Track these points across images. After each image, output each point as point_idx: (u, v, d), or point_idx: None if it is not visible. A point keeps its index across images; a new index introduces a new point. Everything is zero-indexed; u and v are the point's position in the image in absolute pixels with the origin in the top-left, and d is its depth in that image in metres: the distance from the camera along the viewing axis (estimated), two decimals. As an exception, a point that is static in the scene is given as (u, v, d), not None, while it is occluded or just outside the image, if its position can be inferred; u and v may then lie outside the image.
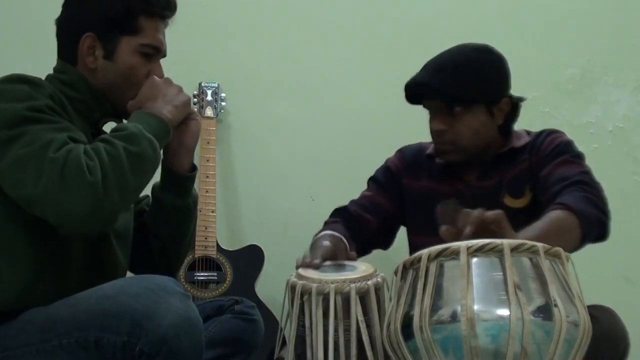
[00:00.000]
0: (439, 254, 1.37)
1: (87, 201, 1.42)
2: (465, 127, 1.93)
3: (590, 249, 1.80)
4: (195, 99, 2.74)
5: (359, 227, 2.02)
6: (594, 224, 1.75)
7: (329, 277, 1.50)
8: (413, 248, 2.02)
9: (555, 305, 1.30)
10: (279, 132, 2.87)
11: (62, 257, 1.57)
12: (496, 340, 1.28)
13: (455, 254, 1.36)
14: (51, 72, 1.71)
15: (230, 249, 2.66)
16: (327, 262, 1.64)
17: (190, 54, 2.77)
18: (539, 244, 1.37)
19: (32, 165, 1.44)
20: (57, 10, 1.72)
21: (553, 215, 1.70)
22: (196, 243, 2.58)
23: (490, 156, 2.00)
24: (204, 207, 2.59)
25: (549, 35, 2.96)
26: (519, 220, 1.59)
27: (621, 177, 2.84)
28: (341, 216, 2.03)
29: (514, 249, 1.35)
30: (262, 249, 2.66)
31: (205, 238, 2.60)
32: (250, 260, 2.65)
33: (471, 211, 1.51)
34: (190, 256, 2.58)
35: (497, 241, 1.36)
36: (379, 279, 1.52)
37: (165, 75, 1.72)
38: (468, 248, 1.35)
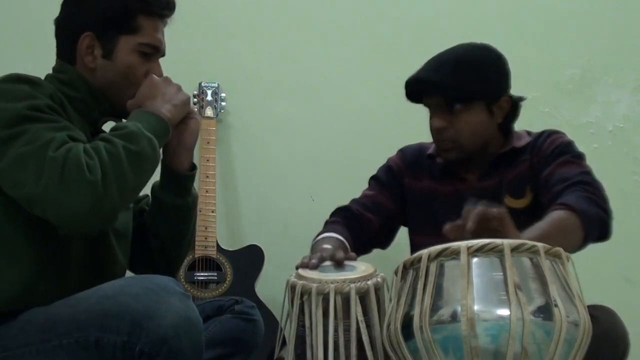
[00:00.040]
0: (439, 253, 1.37)
1: (87, 200, 1.42)
2: (465, 125, 1.93)
3: (590, 249, 1.80)
4: (195, 99, 2.73)
5: (361, 226, 2.02)
6: (595, 224, 1.75)
7: (328, 277, 1.50)
8: (414, 248, 2.02)
9: (556, 305, 1.30)
10: (279, 132, 2.87)
11: (62, 256, 1.57)
12: (496, 340, 1.28)
13: (455, 254, 1.36)
14: (50, 72, 1.71)
15: (230, 249, 2.66)
16: (327, 262, 1.64)
17: (190, 54, 2.77)
18: (539, 244, 1.37)
19: (32, 165, 1.44)
20: (57, 10, 1.72)
21: (555, 215, 1.71)
22: (196, 243, 2.58)
23: (490, 156, 2.00)
24: (204, 207, 2.59)
25: (549, 35, 2.96)
26: (520, 220, 1.59)
27: (621, 177, 2.84)
28: (342, 215, 2.04)
29: (514, 249, 1.35)
30: (262, 249, 2.66)
31: (205, 238, 2.60)
32: (250, 260, 2.65)
33: (474, 207, 1.51)
34: (190, 256, 2.58)
35: (498, 241, 1.36)
36: (379, 279, 1.52)
37: (165, 75, 1.72)
38: (468, 248, 1.35)
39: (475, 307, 1.30)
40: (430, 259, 1.38)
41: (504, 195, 1.94)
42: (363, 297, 1.49)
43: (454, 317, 1.31)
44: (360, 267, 1.57)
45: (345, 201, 2.08)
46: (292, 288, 1.51)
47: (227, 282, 2.60)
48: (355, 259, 1.67)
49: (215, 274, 2.61)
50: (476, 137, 1.95)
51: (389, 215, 2.07)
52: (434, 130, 1.97)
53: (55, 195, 1.42)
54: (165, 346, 1.37)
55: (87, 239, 1.60)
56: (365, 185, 2.15)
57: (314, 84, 2.90)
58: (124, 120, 1.64)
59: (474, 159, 1.99)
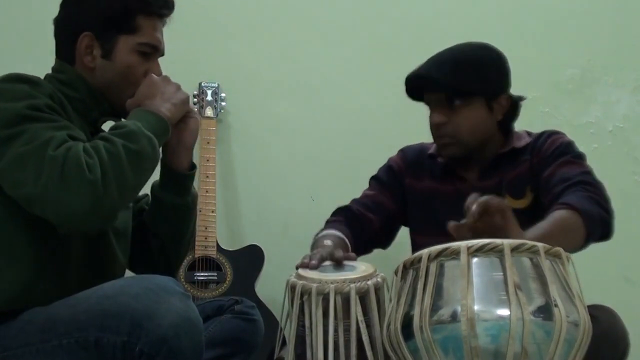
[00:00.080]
0: (439, 253, 1.37)
1: (86, 199, 1.42)
2: (464, 120, 1.94)
3: (590, 249, 1.80)
4: (195, 99, 2.74)
5: (361, 226, 2.02)
6: (597, 223, 1.75)
7: (328, 277, 1.50)
8: (415, 248, 2.02)
9: (556, 305, 1.30)
10: (279, 132, 2.87)
11: (62, 256, 1.57)
12: (496, 340, 1.28)
13: (455, 254, 1.36)
14: (50, 72, 1.71)
15: (230, 249, 2.66)
16: (327, 262, 1.64)
17: (190, 54, 2.77)
18: (540, 244, 1.37)
19: (32, 164, 1.44)
20: (56, 10, 1.72)
21: (557, 215, 1.71)
22: (196, 243, 2.58)
23: (490, 156, 2.01)
24: (204, 207, 2.59)
25: (549, 35, 2.96)
26: (520, 221, 1.59)
27: (621, 177, 2.84)
28: (343, 215, 2.04)
29: (514, 249, 1.35)
30: (262, 249, 2.66)
31: (205, 238, 2.60)
32: (250, 260, 2.65)
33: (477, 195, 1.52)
34: (190, 256, 2.58)
35: (498, 241, 1.36)
36: (378, 279, 1.52)
37: (164, 74, 1.72)
38: (468, 248, 1.35)
39: (475, 307, 1.30)
40: (430, 259, 1.38)
41: (504, 195, 1.94)
42: (363, 297, 1.49)
43: (454, 317, 1.31)
44: (360, 267, 1.57)
45: (345, 201, 2.08)
46: (292, 288, 1.51)
47: (227, 282, 2.60)
48: (355, 259, 1.67)
49: (215, 274, 2.61)
50: (475, 133, 1.95)
51: (389, 215, 2.07)
52: (434, 126, 1.98)
53: (55, 194, 1.42)
54: (165, 346, 1.37)
55: (86, 238, 1.60)
56: (365, 185, 2.15)
57: (314, 84, 2.90)
58: (123, 120, 1.64)
59: (473, 157, 2.00)
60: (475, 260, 1.35)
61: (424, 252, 1.39)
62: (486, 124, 1.97)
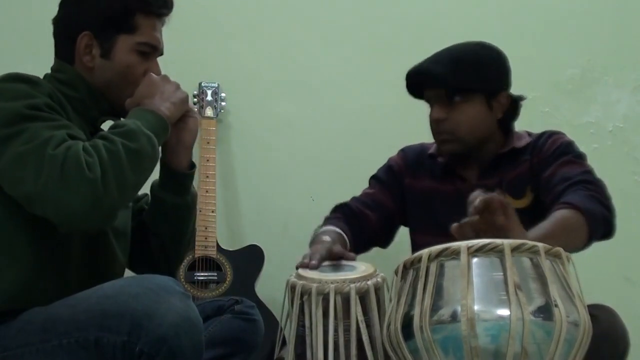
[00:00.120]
0: (440, 253, 1.37)
1: (86, 198, 1.42)
2: (463, 117, 1.95)
3: (591, 248, 1.80)
4: (195, 99, 2.74)
5: (360, 223, 2.03)
6: (599, 222, 1.75)
7: (328, 277, 1.50)
8: (415, 247, 2.02)
9: (556, 306, 1.30)
10: (279, 132, 2.87)
11: (62, 255, 1.57)
12: (496, 340, 1.28)
13: (455, 254, 1.36)
14: (49, 71, 1.72)
15: (230, 249, 2.66)
16: (327, 262, 1.64)
17: (190, 54, 2.77)
18: (540, 244, 1.37)
19: (32, 163, 1.44)
20: (56, 10, 1.72)
21: (559, 214, 1.71)
22: (196, 243, 2.58)
23: (490, 155, 2.01)
24: (204, 207, 2.59)
25: (549, 35, 2.96)
26: (520, 220, 1.59)
27: (621, 177, 2.84)
28: (342, 212, 2.04)
29: (515, 249, 1.35)
30: (262, 249, 2.66)
31: (205, 238, 2.60)
32: (250, 260, 2.65)
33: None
34: (190, 256, 2.58)
35: (498, 241, 1.36)
36: (378, 279, 1.52)
37: (164, 73, 1.72)
38: (468, 248, 1.35)
39: (475, 307, 1.30)
40: (431, 259, 1.38)
41: (504, 195, 1.94)
42: (363, 297, 1.49)
43: (454, 317, 1.31)
44: (360, 267, 1.57)
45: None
46: (292, 288, 1.51)
47: (227, 282, 2.60)
48: (354, 259, 1.67)
49: (215, 274, 2.61)
50: (474, 130, 1.96)
51: (388, 213, 2.08)
52: (433, 122, 1.98)
53: (54, 193, 1.42)
54: (165, 346, 1.37)
55: (86, 238, 1.60)
56: (365, 185, 2.15)
57: (314, 84, 2.90)
58: (122, 119, 1.64)
59: (473, 155, 2.00)
60: (475, 260, 1.35)
61: (424, 252, 1.39)
62: (486, 121, 1.97)
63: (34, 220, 1.50)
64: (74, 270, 1.59)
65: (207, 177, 2.64)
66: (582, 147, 1.99)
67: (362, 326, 1.47)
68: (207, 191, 2.62)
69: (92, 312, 1.42)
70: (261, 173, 2.85)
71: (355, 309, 1.47)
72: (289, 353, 1.51)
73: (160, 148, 1.62)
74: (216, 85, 2.77)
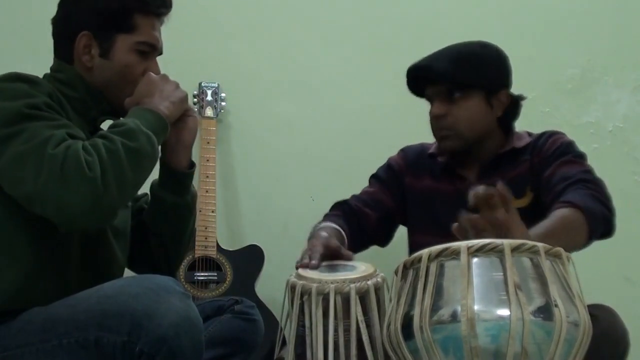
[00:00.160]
0: (440, 253, 1.37)
1: (86, 197, 1.42)
2: (463, 113, 1.96)
3: (590, 248, 1.80)
4: (195, 99, 2.74)
5: (359, 221, 2.03)
6: (600, 221, 1.76)
7: (328, 277, 1.50)
8: (413, 248, 2.02)
9: (556, 306, 1.30)
10: (279, 132, 2.87)
11: (62, 255, 1.57)
12: (496, 340, 1.28)
13: (455, 254, 1.35)
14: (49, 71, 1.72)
15: (230, 249, 2.66)
16: (327, 262, 1.64)
17: (190, 54, 2.77)
18: (540, 244, 1.37)
19: (32, 162, 1.44)
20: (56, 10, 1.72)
21: (559, 213, 1.71)
22: (196, 243, 2.58)
23: (490, 155, 2.01)
24: (204, 207, 2.59)
25: (549, 35, 2.96)
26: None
27: (621, 177, 2.84)
28: (341, 209, 2.05)
29: (515, 249, 1.35)
30: (262, 249, 2.66)
31: (205, 238, 2.60)
32: (250, 260, 2.65)
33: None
34: (190, 256, 2.58)
35: (498, 241, 1.36)
36: (378, 279, 1.52)
37: (163, 73, 1.72)
38: (468, 248, 1.35)
39: (475, 307, 1.29)
40: (431, 259, 1.37)
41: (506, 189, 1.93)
42: (363, 297, 1.49)
43: (454, 317, 1.31)
44: (360, 267, 1.57)
45: (345, 201, 2.09)
46: (292, 288, 1.51)
47: (227, 282, 2.60)
48: (350, 255, 1.67)
49: (215, 274, 2.61)
50: (474, 126, 1.97)
51: (388, 212, 2.08)
52: (433, 118, 1.99)
53: (54, 193, 1.42)
54: (165, 346, 1.37)
55: (85, 237, 1.60)
56: (365, 185, 2.15)
57: (314, 84, 2.90)
58: (122, 119, 1.64)
59: (472, 153, 2.00)
60: (475, 260, 1.35)
61: (424, 252, 1.39)
62: (485, 118, 1.98)
63: (34, 220, 1.50)
64: (73, 270, 1.59)
65: (207, 177, 2.64)
66: (582, 147, 2.00)
67: (362, 326, 1.47)
68: (207, 191, 2.62)
69: (92, 312, 1.42)
70: (261, 173, 2.85)
71: (355, 309, 1.47)
72: (289, 353, 1.51)
73: (159, 147, 1.62)
74: (216, 85, 2.77)
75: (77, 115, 1.65)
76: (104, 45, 1.66)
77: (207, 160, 2.65)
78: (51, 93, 1.58)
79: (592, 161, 1.96)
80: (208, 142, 2.67)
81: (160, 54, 1.74)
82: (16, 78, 1.56)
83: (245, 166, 2.85)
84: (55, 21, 1.72)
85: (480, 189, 1.45)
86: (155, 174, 1.71)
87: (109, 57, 1.67)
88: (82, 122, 1.66)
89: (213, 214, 2.61)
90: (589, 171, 1.89)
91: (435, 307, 1.33)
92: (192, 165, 1.77)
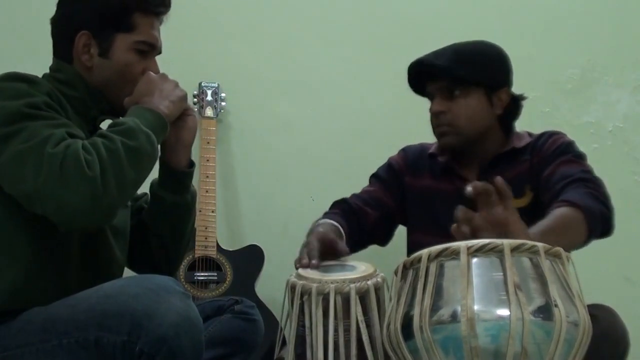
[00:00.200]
0: (439, 254, 1.37)
1: (86, 196, 1.42)
2: (463, 109, 1.97)
3: (590, 248, 1.80)
4: (195, 99, 2.74)
5: (358, 219, 2.03)
6: (598, 220, 1.75)
7: (328, 277, 1.50)
8: (412, 248, 2.02)
9: (556, 306, 1.30)
10: (279, 131, 2.87)
11: (62, 255, 1.58)
12: (496, 340, 1.28)
13: (455, 254, 1.35)
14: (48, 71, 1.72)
15: (230, 249, 2.66)
16: (327, 262, 1.64)
17: (190, 54, 2.77)
18: (539, 244, 1.37)
19: (31, 161, 1.44)
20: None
21: (558, 212, 1.71)
22: (196, 243, 2.58)
23: (490, 155, 2.01)
24: (204, 207, 2.59)
25: (549, 35, 2.96)
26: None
27: (621, 177, 2.84)
28: (341, 208, 2.05)
29: (514, 249, 1.35)
30: (262, 249, 2.66)
31: (205, 238, 2.60)
32: (250, 260, 2.65)
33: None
34: (190, 256, 2.58)
35: (498, 241, 1.36)
36: (378, 279, 1.52)
37: (162, 72, 1.72)
38: (468, 248, 1.35)
39: (475, 307, 1.29)
40: (430, 259, 1.37)
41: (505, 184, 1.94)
42: (363, 297, 1.49)
43: (454, 317, 1.31)
44: (360, 267, 1.57)
45: (345, 201, 2.09)
46: (292, 288, 1.51)
47: (227, 282, 2.60)
48: (347, 251, 1.67)
49: (215, 274, 2.61)
50: (473, 123, 1.97)
51: (388, 211, 2.08)
52: (433, 114, 2.00)
53: (54, 192, 1.42)
54: (165, 346, 1.37)
55: (84, 236, 1.60)
56: (365, 185, 2.15)
57: (314, 84, 2.90)
58: (121, 118, 1.64)
59: (472, 152, 2.01)
60: (475, 260, 1.35)
61: (424, 252, 1.38)
62: (485, 115, 1.99)
63: (34, 220, 1.50)
64: (73, 270, 1.59)
65: (207, 177, 2.64)
66: (582, 147, 2.00)
67: (362, 326, 1.47)
68: (207, 191, 2.62)
69: (92, 312, 1.42)
70: (261, 173, 2.85)
71: (355, 309, 1.47)
72: (289, 353, 1.51)
73: (159, 146, 1.62)
74: (216, 85, 2.77)
75: (76, 115, 1.65)
76: (103, 44, 1.66)
77: (207, 160, 2.65)
78: (50, 92, 1.58)
79: (592, 161, 1.96)
80: (208, 142, 2.67)
81: (160, 53, 1.74)
82: (16, 77, 1.56)
83: (245, 166, 2.85)
84: (54, 21, 1.72)
85: (478, 183, 1.45)
86: (154, 173, 1.71)
87: (108, 57, 1.67)
88: (81, 122, 1.66)
89: (213, 214, 2.61)
90: (588, 171, 1.89)
91: (435, 307, 1.33)
92: (191, 164, 1.77)
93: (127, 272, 1.80)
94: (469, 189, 1.43)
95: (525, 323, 1.28)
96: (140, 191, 1.70)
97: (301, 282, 1.50)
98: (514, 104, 2.04)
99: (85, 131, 1.64)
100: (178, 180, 1.74)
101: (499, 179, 1.45)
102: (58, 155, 1.43)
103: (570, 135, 2.03)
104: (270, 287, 2.57)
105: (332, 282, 1.48)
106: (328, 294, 1.47)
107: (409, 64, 2.03)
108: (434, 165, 2.08)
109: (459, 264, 1.34)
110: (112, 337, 1.39)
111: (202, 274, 2.60)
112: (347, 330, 1.46)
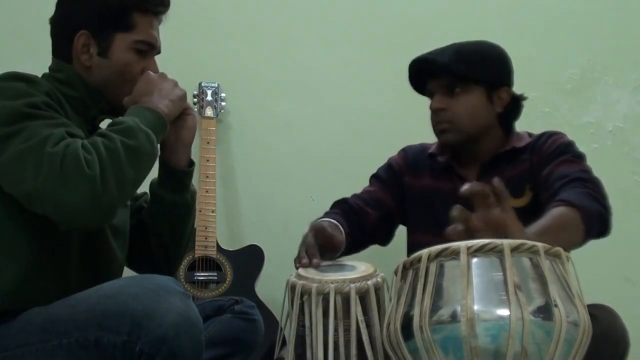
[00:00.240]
0: (439, 254, 1.37)
1: (85, 195, 1.42)
2: (463, 106, 1.97)
3: (590, 248, 1.80)
4: (195, 99, 2.74)
5: (358, 219, 2.04)
6: (596, 219, 1.75)
7: (328, 277, 1.50)
8: (412, 248, 2.02)
9: (556, 305, 1.30)
10: (279, 131, 2.87)
11: (62, 255, 1.58)
12: (496, 340, 1.28)
13: (455, 254, 1.35)
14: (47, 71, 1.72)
15: (230, 249, 2.66)
16: (327, 262, 1.64)
17: (190, 54, 2.77)
18: (539, 244, 1.37)
19: (31, 161, 1.44)
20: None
21: (556, 212, 1.71)
22: (196, 243, 2.58)
23: (490, 155, 2.02)
24: (204, 207, 2.59)
25: (549, 35, 2.96)
26: (519, 219, 1.59)
27: (621, 177, 2.84)
28: (341, 208, 2.06)
29: (514, 249, 1.35)
30: (262, 249, 2.66)
31: (205, 238, 2.60)
32: (250, 260, 2.65)
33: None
34: (190, 256, 2.58)
35: (497, 241, 1.36)
36: (378, 279, 1.52)
37: (162, 72, 1.72)
38: (468, 248, 1.34)
39: (475, 307, 1.29)
40: (430, 259, 1.37)
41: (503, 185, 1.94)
42: (363, 297, 1.49)
43: (453, 317, 1.31)
44: (360, 267, 1.57)
45: (345, 201, 2.09)
46: (292, 288, 1.51)
47: (227, 282, 2.60)
48: (342, 243, 1.67)
49: (215, 274, 2.61)
50: (473, 121, 1.98)
51: (388, 211, 2.08)
52: (433, 112, 2.01)
53: (54, 191, 1.42)
54: (165, 346, 1.37)
55: (84, 236, 1.60)
56: (365, 185, 2.15)
57: (314, 84, 2.90)
58: (121, 117, 1.64)
59: (472, 151, 2.01)
60: (475, 260, 1.35)
61: (424, 252, 1.38)
62: (485, 114, 1.99)
63: (34, 220, 1.50)
64: (73, 270, 1.59)
65: (207, 177, 2.64)
66: (582, 147, 2.00)
67: (362, 326, 1.47)
68: (207, 191, 2.62)
69: (92, 312, 1.42)
70: (261, 173, 2.85)
71: (355, 309, 1.47)
72: (289, 353, 1.51)
73: (158, 145, 1.62)
74: (216, 85, 2.77)
75: (76, 114, 1.65)
76: (102, 44, 1.66)
77: (207, 160, 2.65)
78: (50, 92, 1.58)
79: (592, 161, 1.96)
80: (208, 142, 2.67)
81: (159, 52, 1.74)
82: (15, 77, 1.56)
83: (245, 166, 2.85)
84: (54, 20, 1.72)
85: (475, 184, 1.44)
86: (154, 173, 1.70)
87: (108, 56, 1.67)
88: (81, 121, 1.66)
89: (213, 214, 2.61)
90: (587, 170, 1.89)
91: (435, 307, 1.33)
92: (191, 163, 1.77)
93: (127, 272, 1.80)
94: (464, 188, 1.43)
95: (525, 323, 1.28)
96: (140, 190, 1.70)
97: (301, 282, 1.50)
98: (515, 104, 2.04)
99: (84, 131, 1.64)
100: (178, 179, 1.74)
101: (496, 181, 1.44)
102: (58, 155, 1.43)
103: (570, 135, 2.03)
104: (270, 287, 2.57)
105: (332, 282, 1.48)
106: (328, 293, 1.47)
107: (409, 63, 2.04)
108: (434, 165, 2.09)
109: (458, 264, 1.34)
110: (112, 337, 1.39)
111: (202, 274, 2.60)
112: (347, 330, 1.46)
